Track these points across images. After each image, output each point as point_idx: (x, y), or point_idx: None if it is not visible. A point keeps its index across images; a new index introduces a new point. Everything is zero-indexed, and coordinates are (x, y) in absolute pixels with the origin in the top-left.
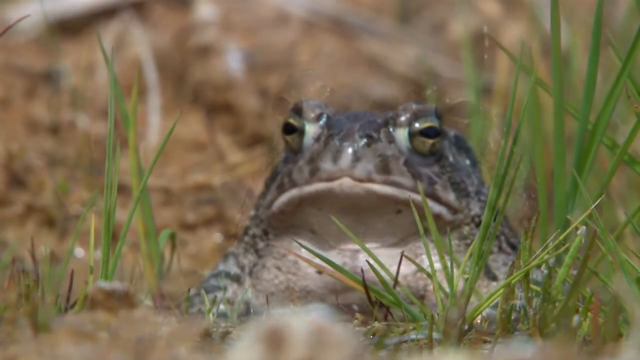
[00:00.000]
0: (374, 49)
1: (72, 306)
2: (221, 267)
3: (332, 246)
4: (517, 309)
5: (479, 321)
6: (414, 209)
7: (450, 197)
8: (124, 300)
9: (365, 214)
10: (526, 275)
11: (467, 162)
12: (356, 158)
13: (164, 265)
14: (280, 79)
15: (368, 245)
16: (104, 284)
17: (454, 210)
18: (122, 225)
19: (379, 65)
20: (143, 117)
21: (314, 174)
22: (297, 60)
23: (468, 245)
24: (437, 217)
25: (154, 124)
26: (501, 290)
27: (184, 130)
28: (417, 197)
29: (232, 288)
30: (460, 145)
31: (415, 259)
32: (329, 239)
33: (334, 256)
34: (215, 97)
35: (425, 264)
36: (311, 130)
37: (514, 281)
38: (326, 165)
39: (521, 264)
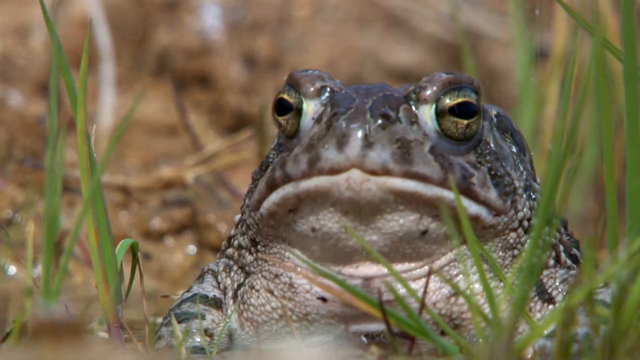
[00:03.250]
0: (394, 2)
1: (5, 339)
2: (197, 288)
3: (335, 270)
4: (580, 338)
5: (530, 355)
6: (445, 211)
7: (491, 194)
8: (70, 332)
9: (379, 220)
10: (590, 295)
11: (514, 149)
12: (368, 144)
13: (123, 286)
14: (271, 42)
15: (385, 270)
16: (44, 312)
17: (496, 211)
18: (68, 233)
19: (400, 22)
20: (94, 93)
21: (314, 164)
22: (292, 17)
23: (515, 257)
24: (475, 220)
25: (108, 101)
26: (559, 315)
27: (146, 110)
28: (448, 195)
29: (210, 315)
30: (505, 127)
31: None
32: (332, 260)
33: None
34: (187, 65)
35: (462, 284)
36: (310, 108)
37: (575, 303)
38: (329, 153)
39: (584, 280)
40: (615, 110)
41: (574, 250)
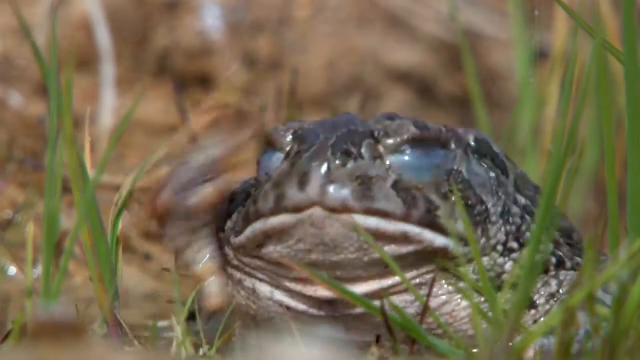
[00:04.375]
0: (394, 2)
1: (5, 339)
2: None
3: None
4: (580, 338)
5: (531, 354)
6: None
7: (459, 225)
8: (70, 332)
9: (346, 254)
10: (590, 295)
11: (491, 173)
12: (328, 181)
13: (121, 287)
14: (271, 43)
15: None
16: (44, 312)
17: (464, 241)
18: (68, 233)
19: (400, 23)
20: (94, 93)
21: (279, 202)
22: (293, 17)
23: (492, 279)
24: (443, 251)
25: (108, 101)
26: (559, 315)
27: (146, 110)
28: (412, 229)
29: None
30: (484, 151)
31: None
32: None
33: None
34: (187, 66)
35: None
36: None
37: (575, 303)
38: (292, 191)
39: (584, 280)
40: (615, 111)
41: (577, 259)
